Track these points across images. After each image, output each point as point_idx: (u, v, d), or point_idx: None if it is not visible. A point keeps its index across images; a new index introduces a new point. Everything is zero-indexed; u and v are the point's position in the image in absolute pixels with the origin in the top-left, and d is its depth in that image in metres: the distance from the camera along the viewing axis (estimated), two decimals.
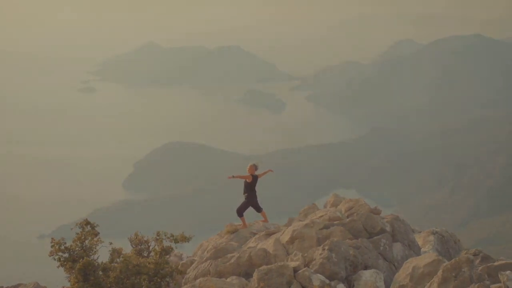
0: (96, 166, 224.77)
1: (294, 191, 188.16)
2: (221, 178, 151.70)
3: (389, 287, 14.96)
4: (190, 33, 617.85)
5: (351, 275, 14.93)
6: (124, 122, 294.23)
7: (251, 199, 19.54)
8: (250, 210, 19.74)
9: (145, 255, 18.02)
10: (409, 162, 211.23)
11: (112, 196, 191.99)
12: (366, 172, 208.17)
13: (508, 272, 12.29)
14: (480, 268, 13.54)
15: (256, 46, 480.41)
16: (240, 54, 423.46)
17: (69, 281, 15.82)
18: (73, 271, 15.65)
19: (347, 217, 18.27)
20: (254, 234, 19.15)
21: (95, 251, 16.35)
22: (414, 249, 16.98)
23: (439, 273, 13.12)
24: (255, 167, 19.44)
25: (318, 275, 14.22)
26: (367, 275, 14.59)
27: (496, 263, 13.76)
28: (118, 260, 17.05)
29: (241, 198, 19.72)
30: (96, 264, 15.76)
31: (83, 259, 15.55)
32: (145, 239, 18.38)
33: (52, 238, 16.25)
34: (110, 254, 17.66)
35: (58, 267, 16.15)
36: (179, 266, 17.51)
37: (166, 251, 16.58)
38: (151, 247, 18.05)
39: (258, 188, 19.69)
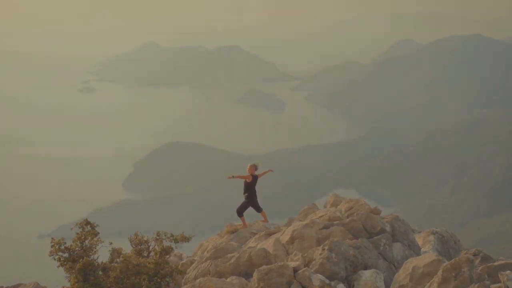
0: (96, 166, 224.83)
1: (294, 191, 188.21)
2: (221, 178, 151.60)
3: (389, 287, 14.96)
4: (190, 33, 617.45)
5: (351, 275, 14.93)
6: (124, 122, 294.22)
7: (251, 199, 19.53)
8: (250, 210, 19.74)
9: (145, 255, 18.02)
10: (409, 162, 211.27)
11: (112, 196, 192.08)
12: (366, 172, 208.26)
13: (508, 272, 12.28)
14: (480, 268, 13.54)
15: (256, 46, 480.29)
16: (240, 54, 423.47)
17: (69, 281, 15.82)
18: (73, 271, 15.65)
19: (347, 217, 18.27)
20: (254, 234, 19.15)
21: (95, 251, 16.35)
22: (414, 249, 16.98)
23: (439, 273, 13.12)
24: (255, 167, 19.44)
25: (318, 275, 14.22)
26: (367, 275, 14.59)
27: (496, 263, 13.76)
28: (118, 260, 17.06)
29: (241, 198, 19.72)
30: (96, 264, 15.76)
31: (83, 259, 15.55)
32: (145, 239, 18.38)
33: (52, 238, 16.25)
34: (110, 254, 17.67)
35: (58, 267, 16.16)
36: (179, 266, 17.51)
37: (166, 251, 16.59)
38: (151, 247, 18.04)
39: (258, 188, 19.69)
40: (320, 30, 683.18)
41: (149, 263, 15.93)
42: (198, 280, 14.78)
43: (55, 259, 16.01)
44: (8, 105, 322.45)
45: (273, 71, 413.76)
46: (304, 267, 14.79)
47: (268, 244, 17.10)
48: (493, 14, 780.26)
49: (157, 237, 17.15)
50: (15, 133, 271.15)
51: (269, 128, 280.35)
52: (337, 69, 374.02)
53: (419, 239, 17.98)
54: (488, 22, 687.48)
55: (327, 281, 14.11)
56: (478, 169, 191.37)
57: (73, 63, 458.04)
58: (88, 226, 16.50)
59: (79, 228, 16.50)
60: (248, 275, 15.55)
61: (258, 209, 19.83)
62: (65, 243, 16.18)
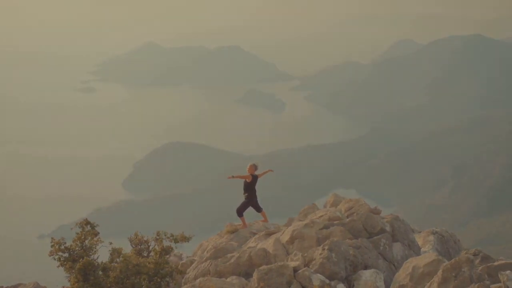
0: (96, 166, 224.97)
1: (294, 191, 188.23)
2: (221, 178, 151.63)
3: (389, 287, 14.96)
4: (190, 33, 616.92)
5: (351, 275, 14.93)
6: (124, 122, 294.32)
7: (251, 199, 19.54)
8: (250, 210, 19.75)
9: (145, 255, 18.01)
10: (409, 162, 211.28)
11: (112, 196, 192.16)
12: (366, 172, 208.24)
13: (508, 272, 12.28)
14: (480, 268, 13.54)
15: (256, 46, 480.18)
16: (240, 54, 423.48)
17: (69, 281, 15.82)
18: (73, 271, 15.65)
19: (347, 217, 18.27)
20: (254, 234, 19.15)
21: (95, 251, 16.34)
22: (414, 249, 16.98)
23: (439, 273, 13.12)
24: (255, 167, 19.44)
25: (318, 275, 14.22)
26: (367, 275, 14.59)
27: (496, 263, 13.77)
28: (118, 260, 17.04)
29: (241, 198, 19.72)
30: (96, 264, 15.76)
31: (83, 259, 15.55)
32: (145, 239, 18.36)
33: (52, 238, 16.25)
34: (110, 254, 17.65)
35: (58, 267, 16.15)
36: (179, 266, 17.51)
37: (166, 251, 16.58)
38: (151, 247, 18.03)
39: (258, 188, 19.69)
40: (320, 30, 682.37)
41: (149, 263, 15.93)
42: (198, 280, 14.78)
43: (55, 259, 16.00)
44: (8, 105, 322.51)
45: (273, 71, 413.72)
46: (304, 267, 14.79)
47: (268, 244, 17.10)
48: (493, 14, 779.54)
49: (157, 237, 17.14)
50: (15, 133, 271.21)
51: (269, 128, 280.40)
52: (337, 69, 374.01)
53: (419, 239, 17.99)
54: (488, 22, 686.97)
55: (327, 281, 14.11)
56: (478, 169, 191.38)
57: (73, 63, 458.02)
58: (88, 226, 16.50)
59: (79, 228, 16.49)
60: (248, 275, 15.55)
61: (258, 209, 19.83)
62: (65, 243, 16.17)
